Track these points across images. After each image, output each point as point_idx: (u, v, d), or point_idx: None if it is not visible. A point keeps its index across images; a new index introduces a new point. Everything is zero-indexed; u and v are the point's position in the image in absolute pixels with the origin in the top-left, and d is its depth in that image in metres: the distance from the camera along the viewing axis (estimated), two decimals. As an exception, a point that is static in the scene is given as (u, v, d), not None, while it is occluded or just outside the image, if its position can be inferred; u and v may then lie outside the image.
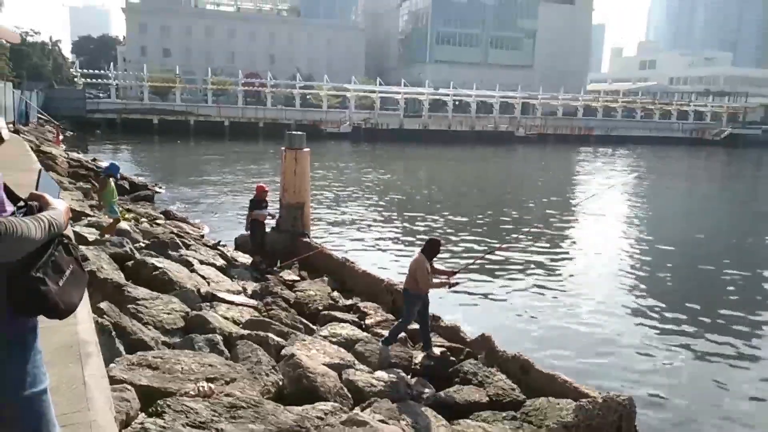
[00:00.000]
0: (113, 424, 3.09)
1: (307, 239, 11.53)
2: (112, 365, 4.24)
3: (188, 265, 8.46)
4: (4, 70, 47.65)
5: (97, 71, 65.05)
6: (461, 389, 5.97)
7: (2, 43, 39.60)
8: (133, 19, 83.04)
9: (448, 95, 68.44)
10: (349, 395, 5.40)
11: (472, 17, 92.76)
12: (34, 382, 1.90)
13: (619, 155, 54.77)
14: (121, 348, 4.79)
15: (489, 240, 15.68)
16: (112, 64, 65.18)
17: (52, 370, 2.16)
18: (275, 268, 10.21)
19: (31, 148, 17.64)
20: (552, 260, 14.26)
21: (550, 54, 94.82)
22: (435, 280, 6.74)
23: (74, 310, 1.94)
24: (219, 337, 5.65)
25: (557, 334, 9.25)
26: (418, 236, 15.71)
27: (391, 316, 8.12)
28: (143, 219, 12.60)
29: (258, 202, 10.50)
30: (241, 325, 6.53)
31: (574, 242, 17.05)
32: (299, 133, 12.04)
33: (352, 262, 10.24)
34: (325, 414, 4.59)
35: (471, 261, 9.24)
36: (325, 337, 6.81)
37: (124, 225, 9.90)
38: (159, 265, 7.44)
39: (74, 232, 8.15)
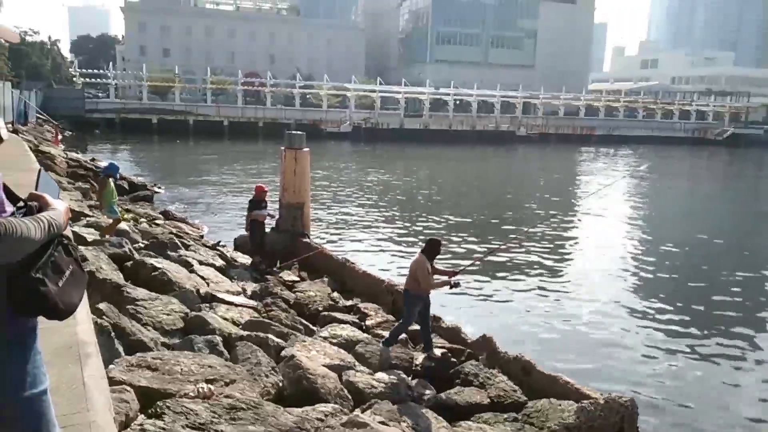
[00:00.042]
0: (112, 425, 3.08)
1: (307, 239, 11.50)
2: (111, 366, 4.23)
3: (187, 265, 8.44)
4: (3, 70, 47.62)
5: (96, 71, 64.94)
6: (462, 391, 5.95)
7: (1, 43, 39.55)
8: (132, 19, 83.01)
9: (448, 95, 68.37)
10: (350, 397, 5.38)
11: (472, 17, 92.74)
12: (34, 383, 1.89)
13: (621, 155, 54.74)
14: (121, 349, 4.77)
15: (490, 240, 15.66)
16: (111, 63, 65.16)
17: (52, 370, 2.16)
18: (275, 269, 10.18)
19: (30, 147, 17.61)
20: (554, 261, 14.24)
21: (551, 53, 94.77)
22: (436, 280, 6.72)
23: (74, 311, 1.93)
24: (218, 338, 5.63)
25: (559, 336, 9.23)
26: (418, 236, 15.69)
27: (391, 317, 8.09)
28: (142, 219, 12.57)
29: (257, 203, 10.47)
30: (240, 326, 6.51)
31: (576, 243, 17.04)
32: (299, 132, 12.01)
33: (353, 263, 10.21)
34: (326, 415, 4.58)
35: (472, 261, 9.21)
36: (325, 338, 6.78)
37: (123, 225, 9.87)
38: (158, 265, 7.42)
39: (73, 232, 8.12)
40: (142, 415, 3.78)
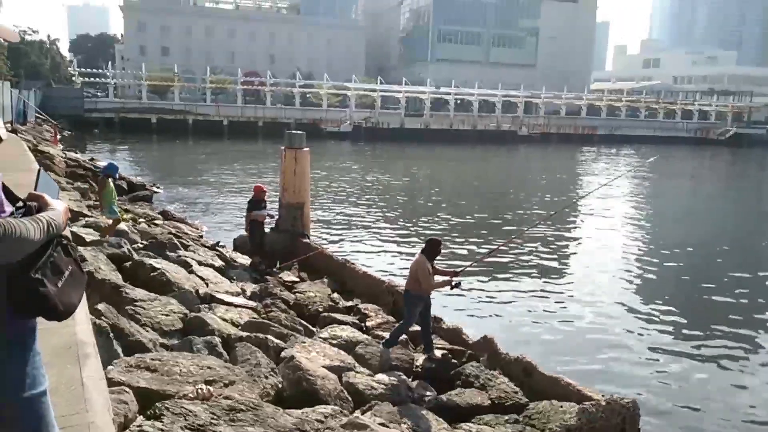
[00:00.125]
0: (111, 426, 3.08)
1: (307, 240, 11.48)
2: (110, 367, 4.22)
3: (186, 266, 8.42)
4: (2, 69, 47.59)
5: (95, 70, 64.82)
6: (463, 392, 5.92)
7: (1, 42, 39.53)
8: (132, 18, 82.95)
9: (449, 94, 68.25)
10: (350, 398, 5.36)
11: (473, 15, 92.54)
12: (34, 384, 1.90)
13: (623, 155, 54.69)
14: (119, 350, 4.76)
15: (491, 240, 15.63)
16: (110, 63, 65.08)
17: (50, 371, 2.17)
18: (274, 269, 10.16)
19: (29, 147, 17.58)
20: (555, 261, 14.23)
21: (553, 53, 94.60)
22: (437, 280, 6.69)
23: (73, 312, 1.93)
24: (218, 339, 5.62)
25: (560, 337, 9.20)
26: (419, 237, 15.66)
27: (391, 318, 8.07)
28: (141, 219, 12.54)
29: (256, 203, 10.44)
30: (240, 327, 6.50)
31: (578, 243, 17.02)
32: (299, 132, 11.99)
33: (353, 263, 10.20)
34: (325, 417, 4.56)
35: (473, 261, 9.18)
36: (325, 339, 6.76)
37: (122, 225, 9.85)
38: (157, 266, 7.39)
39: (71, 232, 8.10)
40: (141, 416, 3.77)
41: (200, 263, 8.99)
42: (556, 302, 10.92)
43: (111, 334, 4.74)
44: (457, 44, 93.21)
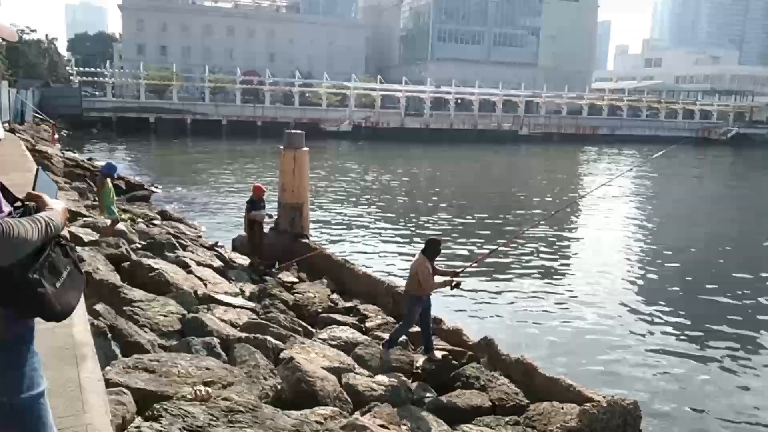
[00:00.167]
0: (109, 427, 3.08)
1: (306, 240, 11.44)
2: (108, 368, 4.21)
3: (185, 266, 8.39)
4: (0, 69, 47.45)
5: (93, 69, 64.74)
6: (463, 394, 5.90)
7: None
8: (130, 17, 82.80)
9: (450, 93, 68.04)
10: (349, 399, 5.34)
11: (474, 14, 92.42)
12: (32, 385, 1.89)
13: (624, 154, 54.65)
14: (117, 350, 4.75)
15: (492, 240, 15.59)
16: (108, 62, 65.02)
17: (48, 372, 2.16)
18: (273, 270, 10.12)
19: (27, 147, 17.54)
20: (556, 262, 14.21)
21: (554, 52, 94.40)
22: (437, 280, 6.66)
23: (71, 312, 1.93)
24: (216, 340, 5.60)
25: (561, 338, 9.18)
26: (419, 237, 15.63)
27: (391, 319, 8.04)
28: (139, 219, 12.50)
29: (255, 203, 10.40)
30: (238, 328, 6.48)
31: (579, 243, 17.00)
32: (298, 131, 11.93)
33: (352, 264, 10.17)
34: (325, 419, 4.56)
35: (473, 261, 9.15)
36: (324, 340, 6.74)
37: (120, 226, 9.80)
38: (155, 266, 7.36)
39: (69, 232, 8.06)
40: (139, 418, 3.77)
41: (199, 263, 8.96)
42: (556, 303, 10.90)
43: (109, 335, 4.73)
44: (458, 43, 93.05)
